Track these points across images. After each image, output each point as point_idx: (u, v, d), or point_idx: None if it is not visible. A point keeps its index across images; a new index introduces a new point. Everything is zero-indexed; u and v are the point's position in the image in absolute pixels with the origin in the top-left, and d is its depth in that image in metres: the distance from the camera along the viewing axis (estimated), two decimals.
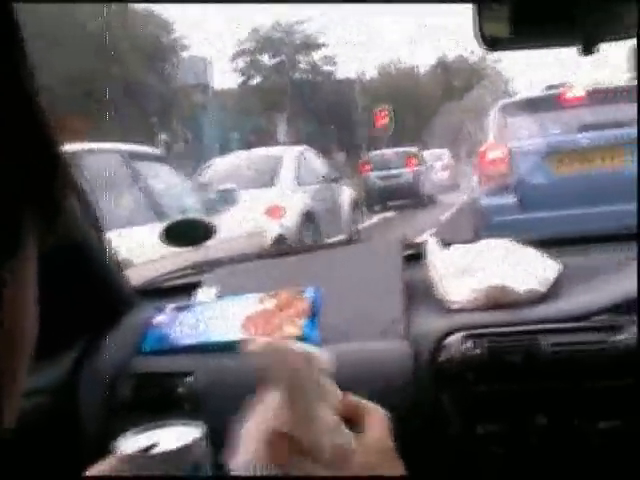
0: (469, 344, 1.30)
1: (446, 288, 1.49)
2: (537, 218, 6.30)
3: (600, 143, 6.51)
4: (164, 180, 5.81)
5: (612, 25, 0.94)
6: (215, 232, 2.35)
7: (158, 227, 2.36)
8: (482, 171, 6.91)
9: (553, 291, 1.46)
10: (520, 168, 6.63)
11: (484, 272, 1.49)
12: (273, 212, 7.98)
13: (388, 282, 1.54)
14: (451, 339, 1.33)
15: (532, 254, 1.57)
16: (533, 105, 7.04)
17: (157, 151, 6.04)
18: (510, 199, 6.59)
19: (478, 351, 1.29)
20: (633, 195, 5.83)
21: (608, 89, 6.92)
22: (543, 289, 1.45)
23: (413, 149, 21.19)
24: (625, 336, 1.26)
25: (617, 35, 0.96)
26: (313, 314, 1.42)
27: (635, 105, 6.42)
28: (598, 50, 0.94)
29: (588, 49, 0.93)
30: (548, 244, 1.64)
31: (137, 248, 4.11)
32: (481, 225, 6.70)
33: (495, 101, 7.75)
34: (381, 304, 1.48)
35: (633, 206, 5.45)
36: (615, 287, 1.39)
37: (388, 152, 21.40)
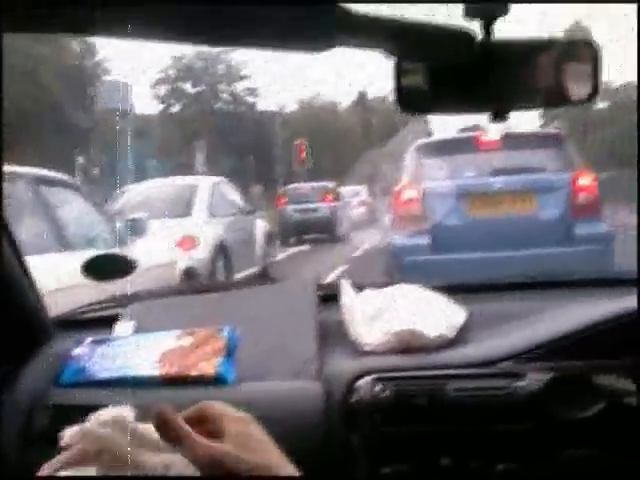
0: (379, 387, 1.36)
1: (359, 331, 1.55)
2: (450, 259, 6.42)
3: (512, 187, 6.70)
4: (72, 207, 5.68)
5: (525, 94, 1.01)
6: (135, 267, 2.38)
7: (59, 257, 2.39)
8: (396, 210, 7.01)
9: (460, 337, 1.52)
10: (433, 209, 6.74)
11: (395, 316, 1.55)
12: (185, 243, 7.91)
13: (302, 322, 1.58)
14: (362, 381, 1.37)
15: (441, 300, 1.64)
16: (448, 147, 7.24)
17: (66, 177, 5.90)
18: (423, 240, 6.68)
19: (387, 394, 1.35)
20: (544, 240, 6.31)
21: (521, 134, 7.17)
22: (451, 334, 1.51)
23: (330, 184, 21.42)
24: (527, 382, 1.33)
25: (528, 104, 1.03)
26: (229, 353, 1.46)
27: (546, 151, 6.90)
28: (508, 117, 1.01)
29: (500, 115, 1.00)
30: (456, 290, 1.71)
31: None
32: (394, 264, 6.77)
33: (414, 140, 7.94)
34: (295, 344, 1.52)
35: (543, 251, 5.71)
36: (519, 334, 1.47)
37: (305, 186, 21.57)
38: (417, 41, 0.93)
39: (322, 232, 19.03)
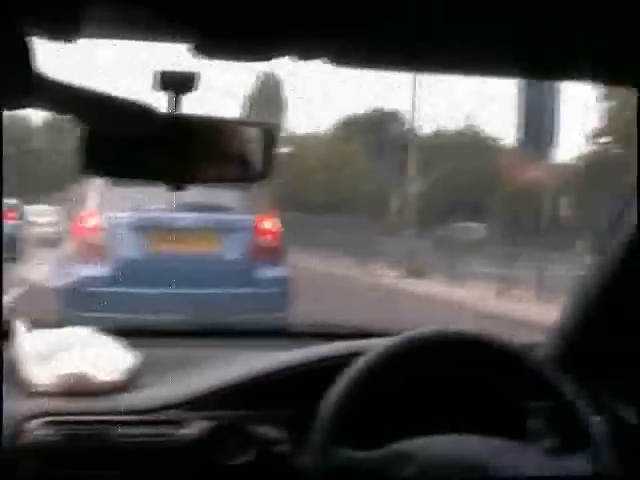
0: (49, 430, 1.37)
1: (30, 372, 1.54)
2: (129, 293, 6.29)
3: (196, 225, 6.76)
4: None
5: (206, 168, 1.11)
6: None
7: None
8: (78, 237, 6.80)
9: (131, 382, 1.57)
10: (115, 240, 6.61)
11: (66, 359, 1.56)
12: None
13: None
14: (33, 424, 1.38)
15: (112, 344, 1.67)
16: None
17: None
18: (103, 271, 6.53)
19: (57, 437, 1.36)
20: (226, 281, 6.42)
21: None
22: (120, 380, 1.56)
23: (12, 201, 20.58)
24: (189, 431, 1.41)
25: (208, 178, 1.13)
26: None
27: (233, 192, 6.86)
28: (187, 188, 1.10)
29: (179, 187, 1.08)
30: (132, 334, 1.76)
31: None
32: (69, 295, 6.44)
33: None
34: None
35: (225, 291, 5.76)
36: (186, 382, 1.54)
37: None
38: (104, 110, 0.99)
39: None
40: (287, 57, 0.91)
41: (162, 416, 1.44)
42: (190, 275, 6.42)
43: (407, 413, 1.41)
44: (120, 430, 1.40)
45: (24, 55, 0.81)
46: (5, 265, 1.04)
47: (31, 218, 20.98)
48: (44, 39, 0.85)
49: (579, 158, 32.19)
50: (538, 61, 1.00)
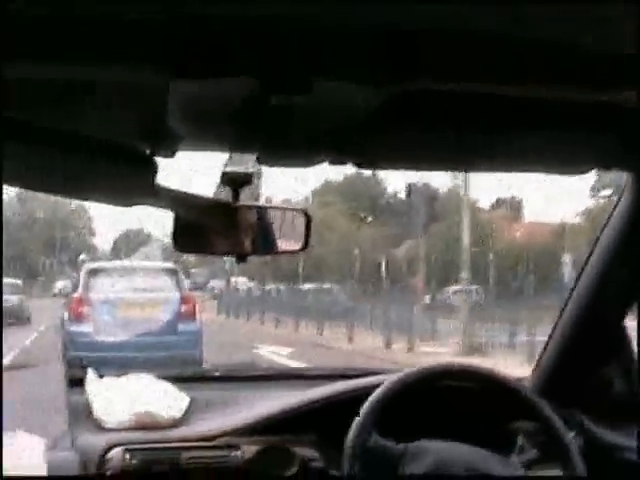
0: (126, 458, 1.70)
1: (104, 411, 1.88)
2: (106, 341, 11.22)
3: (146, 300, 11.95)
4: None
5: (261, 246, 1.47)
6: None
7: None
8: (72, 309, 11.96)
9: (185, 417, 1.90)
10: (97, 310, 11.66)
11: (134, 399, 1.90)
12: None
13: (55, 402, 1.88)
14: (112, 453, 1.71)
15: (167, 387, 2.01)
16: (108, 271, 13.13)
17: None
18: (88, 328, 11.51)
19: (133, 464, 1.70)
20: (162, 331, 11.57)
21: (150, 267, 14.61)
22: (180, 415, 1.89)
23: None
24: (241, 453, 1.75)
25: (264, 252, 1.50)
26: None
27: (167, 278, 12.54)
28: (246, 260, 1.46)
29: (242, 259, 1.44)
30: (179, 379, 2.09)
31: None
32: (67, 343, 11.41)
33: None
34: (50, 420, 1.82)
35: (161, 338, 11.35)
36: (234, 416, 1.88)
37: None
38: (188, 205, 1.35)
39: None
40: (325, 163, 1.25)
41: (218, 442, 1.78)
42: (144, 329, 11.51)
43: (419, 427, 1.75)
44: (185, 455, 1.73)
45: (150, 170, 1.16)
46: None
47: None
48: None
49: (582, 214, 32.08)
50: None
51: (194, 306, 12.25)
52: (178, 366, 9.45)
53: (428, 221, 18.66)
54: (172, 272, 12.90)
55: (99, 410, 1.91)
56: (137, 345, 10.92)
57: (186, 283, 14.04)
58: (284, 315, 24.40)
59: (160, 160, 1.21)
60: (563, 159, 1.26)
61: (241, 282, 37.76)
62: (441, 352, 15.01)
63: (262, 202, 1.55)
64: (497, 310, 16.93)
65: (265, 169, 1.30)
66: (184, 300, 12.09)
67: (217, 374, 2.33)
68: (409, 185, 18.32)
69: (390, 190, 59.00)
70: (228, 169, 1.43)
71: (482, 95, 1.05)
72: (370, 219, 52.59)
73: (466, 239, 17.39)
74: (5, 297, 24.01)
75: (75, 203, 59.92)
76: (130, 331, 11.31)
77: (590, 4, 0.82)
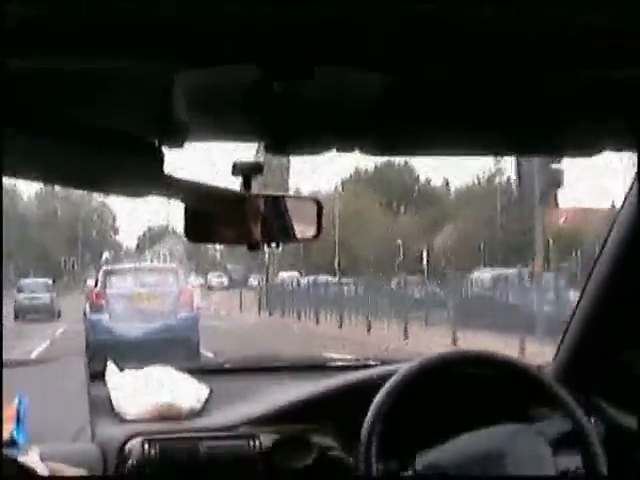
0: (146, 447, 1.71)
1: (125, 403, 1.89)
2: (120, 326, 14.28)
3: (150, 292, 15.11)
4: None
5: (274, 233, 1.48)
6: None
7: None
8: (92, 301, 15.30)
9: (207, 408, 1.91)
10: (112, 301, 14.88)
11: (154, 391, 1.91)
12: None
13: (77, 396, 1.90)
14: (133, 443, 1.73)
15: (187, 379, 2.02)
16: (119, 272, 16.79)
17: None
18: (105, 316, 14.68)
19: (153, 452, 1.70)
20: (163, 318, 14.63)
21: (159, 267, 19.54)
22: (199, 406, 1.90)
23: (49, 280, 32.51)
24: (260, 443, 1.75)
25: (278, 240, 1.50)
26: (19, 419, 1.73)
27: (169, 275, 16.09)
28: (260, 248, 1.46)
29: (255, 247, 1.45)
30: (198, 371, 2.11)
31: None
32: (89, 329, 14.72)
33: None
34: (71, 413, 1.83)
35: (167, 321, 14.91)
36: (252, 406, 1.89)
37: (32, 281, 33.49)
38: (201, 195, 1.35)
39: (42, 313, 28.54)
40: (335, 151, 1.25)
41: (237, 432, 1.79)
42: (149, 316, 14.45)
43: (435, 417, 1.74)
44: (205, 445, 1.74)
45: (158, 160, 1.16)
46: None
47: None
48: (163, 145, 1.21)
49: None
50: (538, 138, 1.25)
51: (191, 296, 15.58)
52: (178, 346, 12.91)
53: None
54: (172, 271, 16.79)
55: (119, 402, 1.93)
56: (145, 329, 14.00)
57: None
58: (345, 312, 23.40)
59: (171, 151, 1.22)
60: (574, 141, 1.25)
61: (287, 276, 38.82)
62: None
63: (291, 193, 1.56)
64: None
65: (293, 162, 1.31)
66: (182, 292, 15.25)
67: (236, 366, 2.35)
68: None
69: (422, 179, 59.26)
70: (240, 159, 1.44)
71: (490, 78, 1.05)
72: (403, 209, 52.64)
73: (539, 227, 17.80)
74: (39, 295, 29.65)
75: (96, 201, 61.24)
76: (139, 318, 14.35)
77: None
